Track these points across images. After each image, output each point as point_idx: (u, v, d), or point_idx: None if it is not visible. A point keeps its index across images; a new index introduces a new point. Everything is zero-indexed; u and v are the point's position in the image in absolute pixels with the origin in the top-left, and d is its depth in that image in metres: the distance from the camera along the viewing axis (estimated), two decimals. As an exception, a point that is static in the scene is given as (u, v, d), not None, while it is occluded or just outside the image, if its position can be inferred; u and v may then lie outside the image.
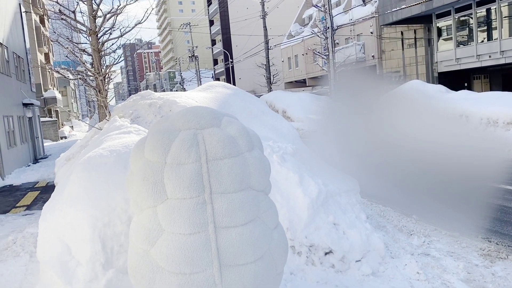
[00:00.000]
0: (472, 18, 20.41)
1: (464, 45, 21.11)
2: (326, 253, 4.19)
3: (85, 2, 10.56)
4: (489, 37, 19.78)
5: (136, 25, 10.91)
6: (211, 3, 63.09)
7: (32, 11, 26.04)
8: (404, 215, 6.23)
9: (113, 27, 10.75)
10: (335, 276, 4.08)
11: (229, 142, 2.55)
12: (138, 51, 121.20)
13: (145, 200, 2.53)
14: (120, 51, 12.70)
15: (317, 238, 4.16)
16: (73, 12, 10.83)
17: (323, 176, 4.71)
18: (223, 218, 2.45)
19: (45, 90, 29.89)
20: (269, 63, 30.00)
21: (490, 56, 19.38)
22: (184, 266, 2.40)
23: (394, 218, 6.02)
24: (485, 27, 20.03)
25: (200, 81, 50.00)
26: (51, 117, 31.76)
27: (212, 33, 63.24)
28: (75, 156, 5.98)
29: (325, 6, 22.86)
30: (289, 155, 4.70)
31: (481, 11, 20.00)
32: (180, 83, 60.35)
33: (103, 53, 10.63)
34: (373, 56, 27.13)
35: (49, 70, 29.66)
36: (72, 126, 40.67)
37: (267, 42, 29.60)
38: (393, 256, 4.56)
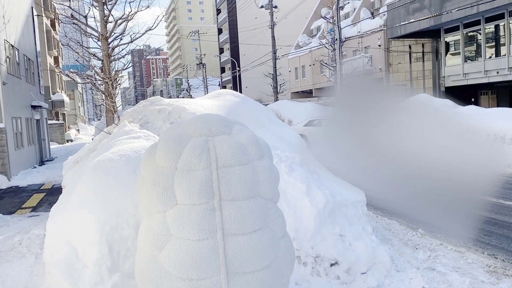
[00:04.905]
0: (480, 33, 20.45)
1: (472, 61, 21.12)
2: (331, 265, 4.18)
3: (97, 8, 10.68)
4: (497, 53, 19.79)
5: (146, 31, 11.01)
6: (220, 11, 63.63)
7: (43, 15, 26.36)
8: (410, 228, 6.21)
9: (123, 33, 10.87)
10: (340, 287, 4.06)
11: (239, 149, 2.56)
12: (146, 57, 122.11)
13: (154, 204, 2.54)
14: (129, 57, 12.83)
15: (323, 249, 4.14)
16: (85, 17, 10.96)
17: (330, 187, 4.71)
18: (232, 225, 2.46)
19: (53, 93, 30.12)
20: (276, 73, 30.11)
21: (498, 72, 19.38)
22: (191, 272, 2.41)
23: (400, 232, 6.00)
24: (493, 43, 20.06)
25: (207, 89, 50.23)
26: (58, 120, 31.95)
27: (220, 41, 63.67)
28: (83, 160, 6.01)
29: (334, 18, 23.00)
30: (297, 164, 4.71)
31: (490, 27, 20.04)
32: (187, 90, 60.64)
33: (113, 58, 10.73)
34: (380, 68, 27.18)
35: (58, 73, 29.93)
36: (79, 130, 40.89)
37: (275, 52, 29.74)
38: (398, 270, 4.54)
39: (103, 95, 10.75)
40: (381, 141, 7.26)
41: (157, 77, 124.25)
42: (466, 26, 21.04)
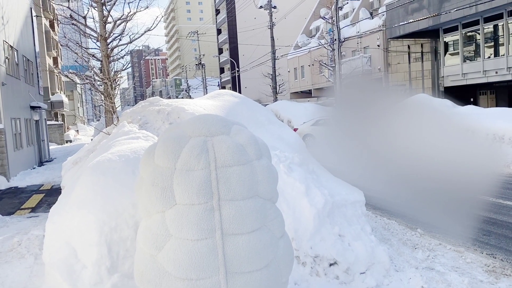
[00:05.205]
0: (479, 33, 20.47)
1: (470, 60, 21.15)
2: (330, 264, 4.19)
3: (96, 8, 10.69)
4: (496, 53, 19.82)
5: (145, 32, 11.03)
6: (219, 12, 63.65)
7: (42, 16, 26.35)
8: (409, 228, 6.22)
9: (122, 33, 10.88)
10: (339, 287, 4.07)
11: (238, 150, 2.57)
12: (145, 58, 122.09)
13: (153, 205, 2.55)
14: (128, 57, 12.84)
15: (322, 249, 4.15)
16: (84, 17, 10.96)
17: (329, 187, 4.72)
18: (231, 225, 2.46)
19: (52, 94, 30.12)
20: (275, 73, 30.12)
21: (496, 72, 19.40)
22: (190, 272, 2.41)
23: (399, 232, 6.01)
24: (492, 43, 20.09)
25: (206, 89, 50.23)
26: (57, 120, 31.95)
27: (219, 41, 63.69)
28: (82, 160, 6.02)
29: (333, 18, 23.02)
30: (296, 165, 4.72)
31: (488, 27, 20.07)
32: (186, 90, 60.64)
33: (112, 58, 10.74)
34: (379, 68, 27.20)
35: (58, 74, 29.92)
36: (78, 130, 40.89)
37: (274, 52, 29.76)
38: (397, 270, 4.55)
39: (102, 96, 10.76)
40: (380, 141, 7.28)
41: (156, 78, 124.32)
42: (465, 26, 21.06)
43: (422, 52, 25.73)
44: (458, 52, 21.70)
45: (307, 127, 17.97)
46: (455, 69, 21.72)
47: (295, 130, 17.99)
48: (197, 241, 2.42)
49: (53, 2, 22.00)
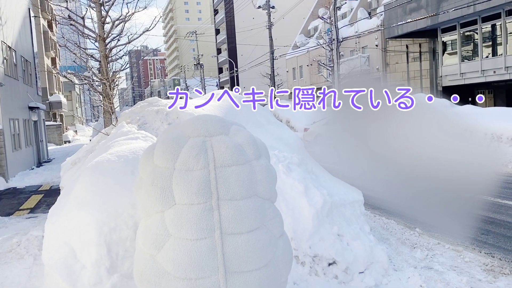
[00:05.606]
0: (477, 33, 20.53)
1: (468, 60, 21.20)
2: (329, 264, 4.20)
3: (94, 9, 10.68)
4: (494, 53, 19.88)
5: (144, 32, 11.03)
6: (217, 12, 63.66)
7: (40, 16, 26.32)
8: (407, 228, 6.24)
9: (121, 34, 10.88)
10: (338, 287, 4.08)
11: (237, 150, 2.58)
12: (144, 58, 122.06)
13: (153, 205, 2.55)
14: (127, 58, 12.84)
15: (321, 248, 4.16)
16: (82, 18, 10.96)
17: (328, 187, 4.73)
18: (230, 224, 2.47)
19: (51, 94, 30.10)
20: (273, 73, 30.15)
21: (494, 72, 19.46)
22: (190, 272, 2.42)
23: (398, 231, 6.03)
24: (490, 43, 20.14)
25: (205, 89, 50.21)
26: (56, 121, 31.92)
27: (217, 41, 63.70)
28: (81, 161, 6.02)
29: (331, 18, 23.06)
30: (294, 165, 4.73)
31: (486, 27, 20.12)
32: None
33: (110, 59, 10.73)
34: (377, 68, 27.24)
35: (56, 75, 29.90)
36: (76, 131, 40.83)
37: (272, 52, 29.78)
38: (396, 269, 4.56)
39: (101, 96, 10.77)
40: (378, 141, 7.29)
41: (155, 78, 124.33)
42: (463, 26, 21.11)
43: (420, 52, 25.79)
44: (456, 52, 21.75)
45: (318, 127, 17.38)
46: (453, 68, 21.77)
47: (305, 130, 17.68)
48: (196, 241, 2.43)
49: (51, 2, 21.98)
